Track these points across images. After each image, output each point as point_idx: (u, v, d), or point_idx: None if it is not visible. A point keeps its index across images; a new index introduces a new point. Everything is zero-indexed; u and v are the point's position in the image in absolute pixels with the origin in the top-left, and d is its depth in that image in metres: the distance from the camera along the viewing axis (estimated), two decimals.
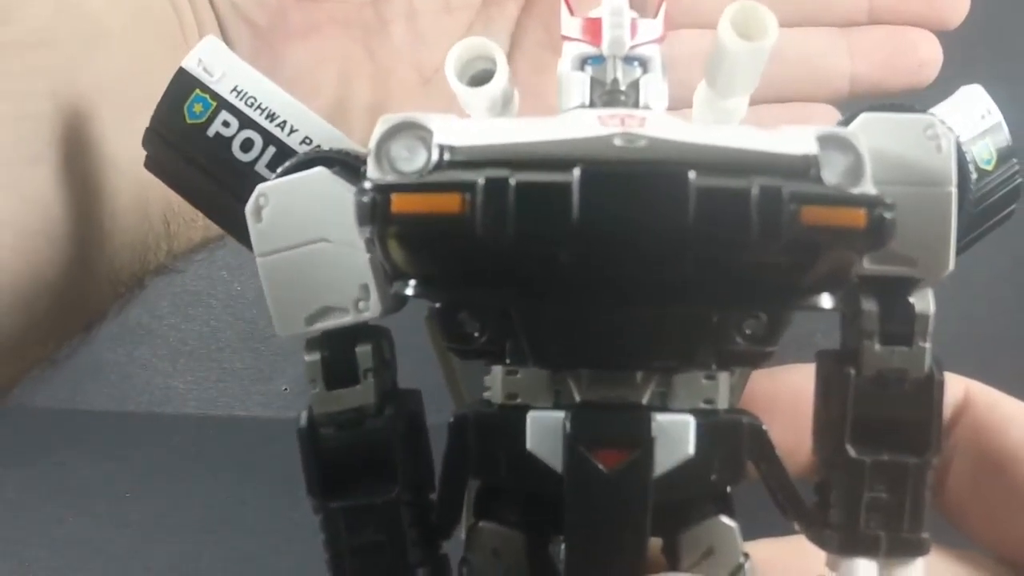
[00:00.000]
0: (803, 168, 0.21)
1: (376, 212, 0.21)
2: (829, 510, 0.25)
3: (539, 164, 0.21)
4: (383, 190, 0.21)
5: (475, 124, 0.23)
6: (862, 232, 0.21)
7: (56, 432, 1.14)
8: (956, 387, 0.29)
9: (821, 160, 0.22)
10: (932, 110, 0.27)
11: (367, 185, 0.22)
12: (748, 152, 0.22)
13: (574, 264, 0.21)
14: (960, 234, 0.25)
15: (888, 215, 0.21)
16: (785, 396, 0.28)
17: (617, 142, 0.21)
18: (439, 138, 0.22)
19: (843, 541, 0.25)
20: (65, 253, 0.35)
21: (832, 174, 0.22)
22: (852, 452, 0.25)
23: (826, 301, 0.22)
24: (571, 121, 0.23)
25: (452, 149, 0.22)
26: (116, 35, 0.38)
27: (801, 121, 0.44)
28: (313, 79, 0.42)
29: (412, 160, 0.22)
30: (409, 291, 0.23)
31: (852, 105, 0.43)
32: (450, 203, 0.21)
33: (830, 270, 0.22)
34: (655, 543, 0.25)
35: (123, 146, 0.36)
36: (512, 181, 0.21)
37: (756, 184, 0.20)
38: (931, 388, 0.25)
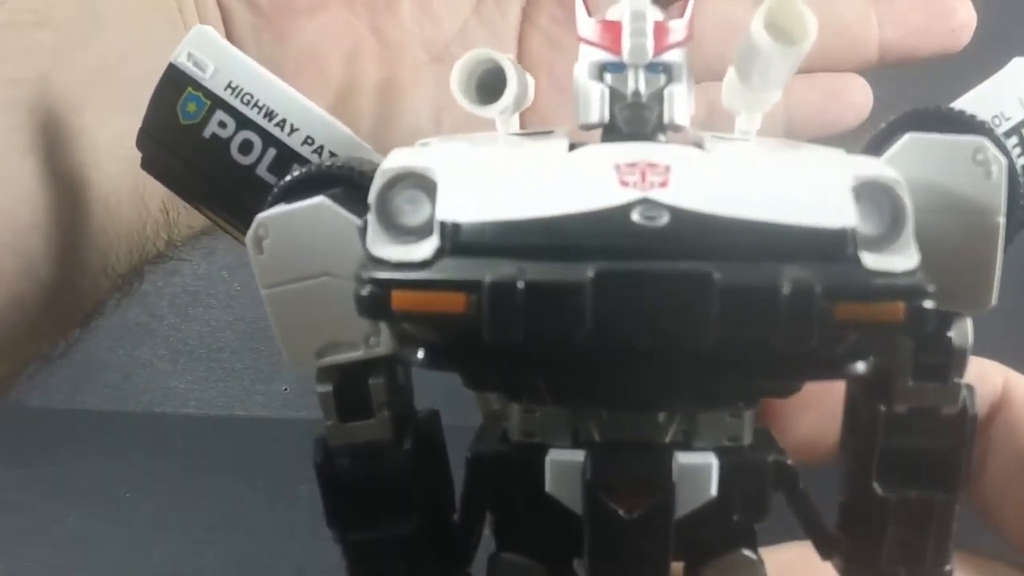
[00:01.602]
0: (839, 245, 0.20)
1: (376, 309, 0.20)
2: (851, 540, 0.25)
3: (550, 251, 0.20)
4: (382, 285, 0.20)
5: (483, 164, 0.22)
6: (900, 325, 0.20)
7: (56, 432, 1.14)
8: (994, 379, 0.28)
9: (860, 211, 0.20)
10: (979, 87, 0.25)
11: (365, 276, 0.20)
12: (779, 228, 0.20)
13: (590, 349, 0.20)
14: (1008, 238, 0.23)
15: (928, 304, 0.19)
16: (815, 386, 0.27)
17: (635, 217, 0.20)
18: (443, 209, 0.20)
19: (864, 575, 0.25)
20: (57, 247, 0.34)
21: (871, 225, 0.20)
22: (878, 490, 0.24)
23: (859, 368, 0.21)
24: (587, 173, 0.21)
25: (457, 229, 0.20)
26: (112, 18, 0.37)
27: (829, 94, 0.42)
28: (318, 60, 0.41)
29: (415, 212, 0.21)
30: (418, 357, 0.21)
31: (885, 78, 0.43)
32: (454, 303, 0.19)
33: (863, 345, 0.21)
34: (676, 566, 0.24)
35: (118, 134, 0.35)
36: (520, 284, 0.19)
37: (787, 281, 0.19)
38: (963, 423, 0.24)
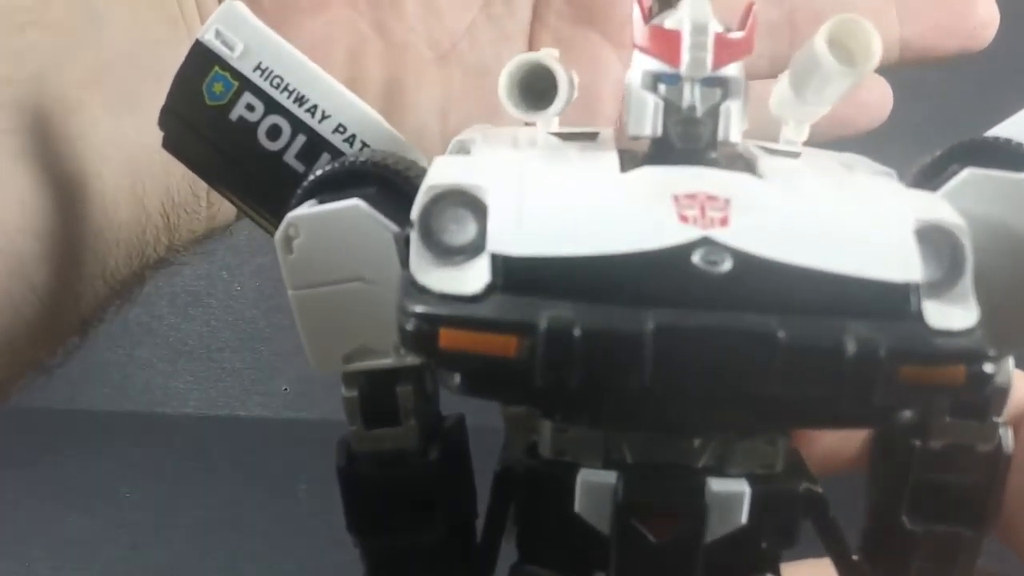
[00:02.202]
0: (903, 301, 0.19)
1: (421, 344, 0.19)
2: (875, 569, 0.25)
3: (607, 293, 0.19)
4: (430, 321, 0.19)
5: (534, 186, 0.21)
6: (960, 388, 0.19)
7: (56, 432, 1.14)
8: (1019, 391, 0.27)
9: (922, 254, 0.20)
10: (1020, 114, 0.25)
11: (410, 308, 0.19)
12: (844, 280, 0.19)
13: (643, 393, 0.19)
14: None
15: (989, 369, 0.19)
16: None
17: (696, 260, 0.19)
18: (496, 241, 0.19)
19: None
20: (53, 252, 0.34)
21: (931, 269, 0.20)
22: (907, 523, 0.24)
23: (906, 415, 0.21)
24: (644, 204, 0.20)
25: (509, 264, 0.19)
26: (110, 18, 0.36)
27: (851, 97, 0.41)
28: (321, 58, 0.41)
29: (460, 231, 0.20)
30: (455, 384, 0.21)
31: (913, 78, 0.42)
32: (505, 346, 0.19)
33: (913, 399, 0.21)
34: None
35: (115, 135, 0.35)
36: (577, 332, 0.18)
37: (852, 341, 0.18)
38: (997, 462, 0.24)
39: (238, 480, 1.09)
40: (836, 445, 0.27)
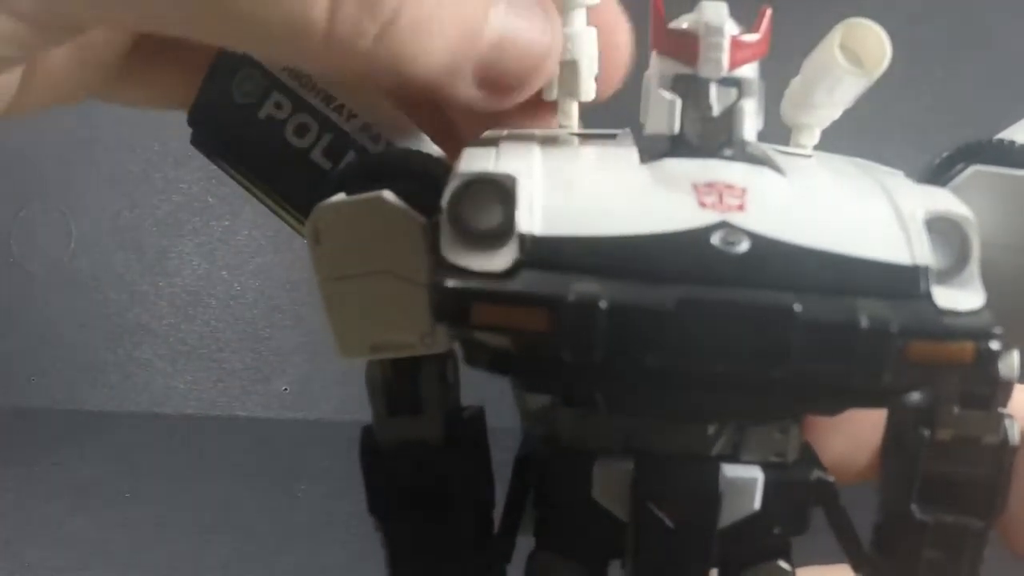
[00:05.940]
0: (913, 282, 0.20)
1: (453, 320, 0.20)
2: (886, 561, 0.25)
3: (630, 271, 0.19)
4: (463, 296, 0.19)
5: (560, 174, 0.21)
6: (968, 365, 0.20)
7: (56, 432, 1.14)
8: (1022, 400, 0.28)
9: (931, 243, 0.20)
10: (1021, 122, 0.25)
11: (444, 284, 0.20)
12: (856, 261, 0.20)
13: (664, 370, 0.20)
14: None
15: (996, 346, 0.20)
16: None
17: (715, 241, 0.20)
18: (524, 221, 0.20)
19: None
20: None
21: (940, 257, 0.21)
22: (917, 513, 0.25)
23: (914, 396, 0.22)
24: (666, 191, 0.21)
25: (537, 242, 0.20)
26: None
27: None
28: None
29: (487, 217, 0.21)
30: (481, 362, 0.21)
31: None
32: (535, 320, 0.19)
33: (922, 378, 0.21)
34: (711, 573, 0.25)
35: None
36: (603, 304, 0.19)
37: (864, 316, 0.19)
38: (1004, 453, 0.24)
39: (238, 480, 1.09)
40: (846, 456, 0.27)
